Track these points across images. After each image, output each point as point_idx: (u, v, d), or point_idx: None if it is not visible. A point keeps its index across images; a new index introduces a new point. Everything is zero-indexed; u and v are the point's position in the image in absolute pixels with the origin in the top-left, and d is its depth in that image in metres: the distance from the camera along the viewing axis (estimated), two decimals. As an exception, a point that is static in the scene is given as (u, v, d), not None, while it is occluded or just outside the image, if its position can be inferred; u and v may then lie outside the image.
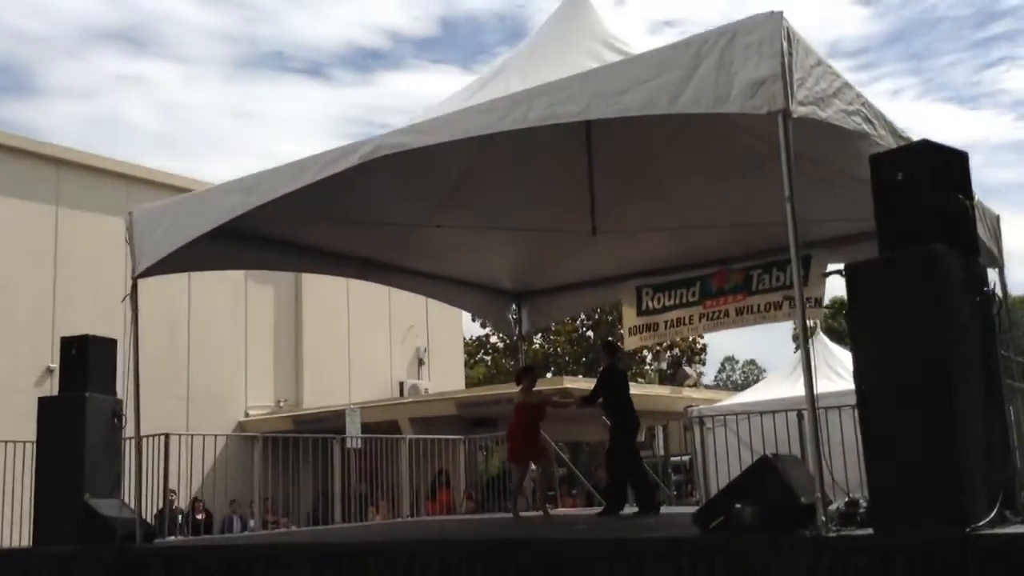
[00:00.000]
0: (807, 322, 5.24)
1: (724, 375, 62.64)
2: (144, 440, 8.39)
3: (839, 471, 5.66)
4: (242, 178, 7.02)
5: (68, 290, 18.12)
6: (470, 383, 28.88)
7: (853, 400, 4.71)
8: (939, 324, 4.27)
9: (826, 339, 14.08)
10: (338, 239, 9.00)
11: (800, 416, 9.54)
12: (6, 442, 10.59)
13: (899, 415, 4.33)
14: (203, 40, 74.93)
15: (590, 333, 34.54)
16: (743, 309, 9.02)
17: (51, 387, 14.64)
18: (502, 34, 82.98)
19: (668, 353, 32.42)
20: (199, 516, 15.00)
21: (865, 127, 5.15)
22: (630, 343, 10.32)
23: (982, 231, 6.00)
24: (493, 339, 36.71)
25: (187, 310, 20.05)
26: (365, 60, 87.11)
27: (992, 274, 5.87)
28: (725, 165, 7.72)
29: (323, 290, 21.92)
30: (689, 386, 26.04)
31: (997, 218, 7.31)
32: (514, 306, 11.12)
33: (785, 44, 4.52)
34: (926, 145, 4.58)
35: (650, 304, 9.75)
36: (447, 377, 24.66)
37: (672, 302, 9.54)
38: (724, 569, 4.45)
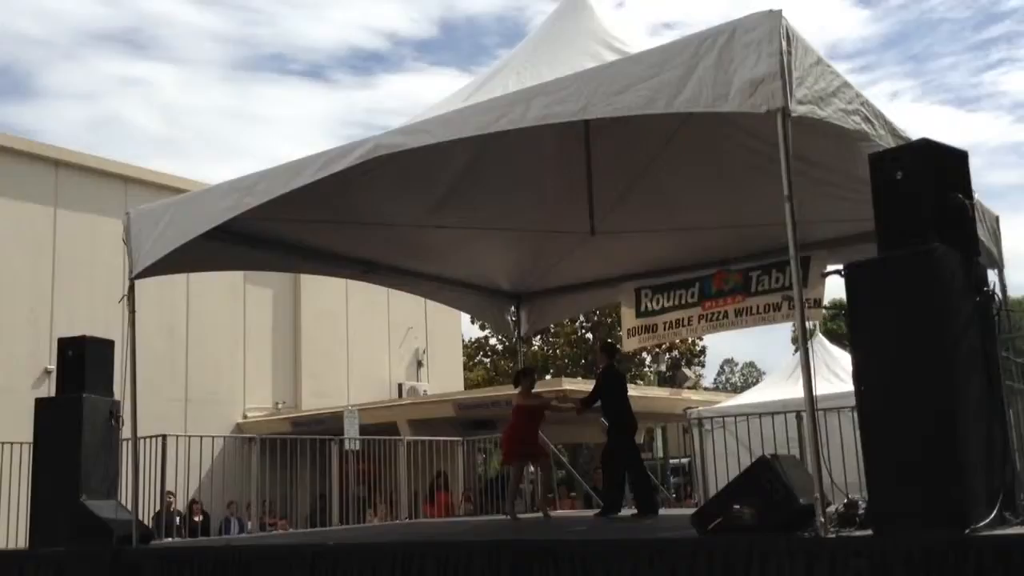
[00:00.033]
0: (806, 323, 5.21)
1: (723, 378, 62.59)
2: (141, 441, 8.38)
3: (838, 473, 5.64)
4: (239, 178, 6.99)
5: (66, 291, 18.10)
6: (469, 385, 28.85)
7: (852, 402, 4.69)
8: (939, 324, 4.26)
9: (825, 341, 14.07)
10: (336, 240, 8.98)
11: (799, 418, 9.52)
12: (3, 443, 10.56)
13: (898, 415, 4.31)
14: (203, 42, 74.97)
15: (589, 335, 34.51)
16: (742, 310, 9.00)
17: (48, 388, 14.62)
18: (501, 36, 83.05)
19: (667, 355, 32.39)
20: (197, 518, 14.96)
21: (864, 127, 5.13)
22: (629, 344, 10.30)
23: (982, 232, 5.98)
24: (492, 341, 36.67)
25: (185, 312, 20.03)
26: (364, 62, 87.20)
27: (992, 275, 5.85)
28: (724, 166, 7.70)
29: (322, 292, 21.89)
30: (688, 388, 26.01)
31: (996, 219, 7.30)
32: (513, 307, 11.10)
33: (784, 43, 4.50)
34: (926, 144, 4.56)
35: (649, 305, 9.74)
36: (446, 379, 24.63)
37: (671, 303, 9.53)
38: (722, 570, 4.43)
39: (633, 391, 18.90)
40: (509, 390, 14.21)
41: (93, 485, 7.86)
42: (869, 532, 4.40)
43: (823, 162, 6.49)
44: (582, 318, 34.59)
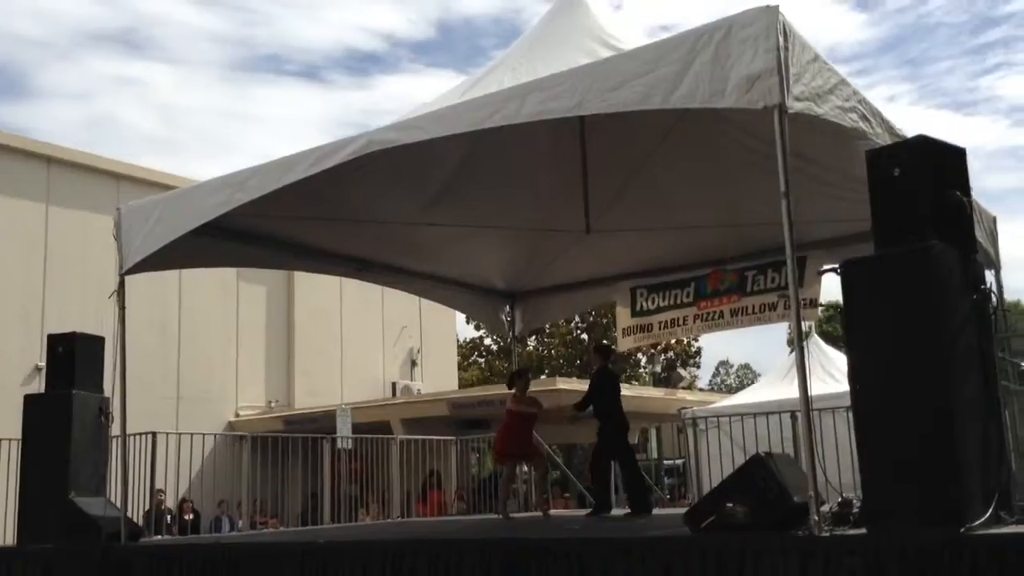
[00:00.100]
0: (802, 323, 5.18)
1: (718, 379, 62.63)
2: (131, 438, 8.32)
3: (832, 473, 5.61)
4: (231, 174, 6.94)
5: (58, 288, 18.02)
6: (464, 385, 28.80)
7: (847, 402, 4.66)
8: (936, 322, 4.23)
9: (820, 341, 14.06)
10: (330, 237, 8.93)
11: (794, 418, 9.51)
12: (-7, 440, 10.48)
13: (894, 413, 4.28)
14: (199, 43, 74.81)
15: (584, 336, 34.49)
16: (738, 310, 8.97)
17: (39, 385, 14.50)
18: (498, 38, 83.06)
19: (662, 356, 32.39)
20: (187, 516, 14.89)
21: (861, 124, 5.10)
22: (624, 344, 10.27)
23: (979, 232, 5.96)
24: (487, 341, 36.65)
25: (177, 309, 19.95)
26: (361, 63, 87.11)
27: (988, 276, 5.82)
28: (720, 164, 7.66)
29: (315, 290, 21.83)
30: (683, 388, 26.01)
31: (994, 219, 7.28)
32: (507, 307, 11.06)
33: (781, 38, 4.46)
34: (923, 140, 4.53)
35: (644, 305, 9.70)
36: (440, 378, 24.58)
37: (666, 303, 9.49)
38: (715, 569, 4.39)
39: (628, 391, 18.84)
40: (503, 389, 14.17)
41: (82, 482, 7.81)
42: (863, 531, 4.37)
43: (820, 161, 6.46)
44: (577, 319, 34.56)
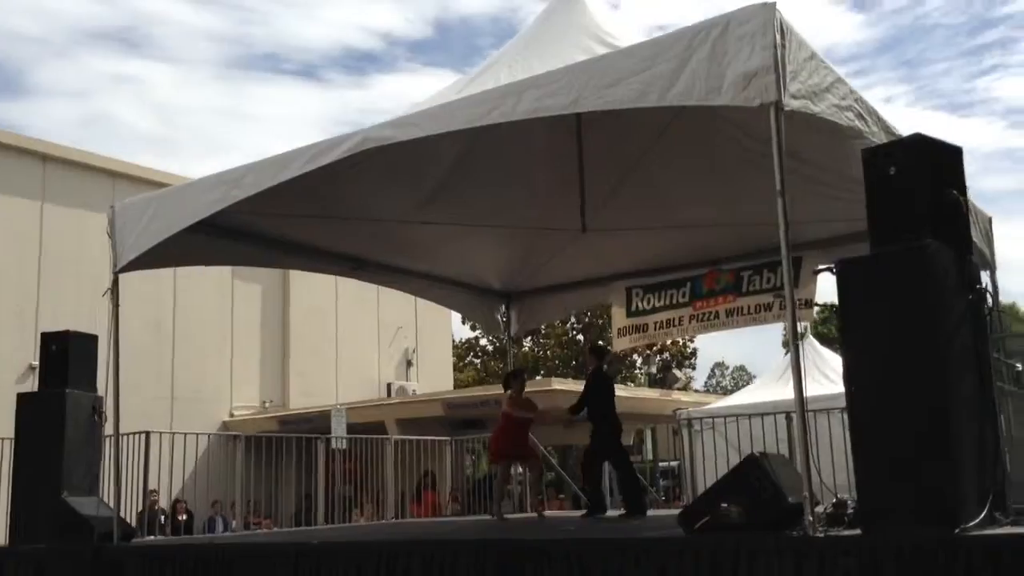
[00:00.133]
0: (797, 324, 5.15)
1: (714, 381, 62.64)
2: (124, 438, 8.28)
3: (827, 474, 5.59)
4: (226, 171, 6.91)
5: (53, 287, 17.96)
6: (459, 386, 28.77)
7: (842, 403, 4.64)
8: (932, 321, 4.21)
9: (816, 342, 14.07)
10: (326, 236, 8.90)
11: (789, 419, 9.49)
12: (-15, 438, 10.42)
13: (890, 412, 4.26)
14: (196, 41, 74.71)
15: (580, 337, 34.49)
16: (733, 311, 8.96)
17: (33, 384, 14.42)
18: (495, 37, 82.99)
19: (658, 357, 32.40)
20: (181, 517, 14.84)
21: (858, 123, 5.09)
22: (619, 344, 10.25)
23: (975, 232, 5.94)
24: (483, 342, 36.61)
25: (172, 308, 19.90)
26: (358, 62, 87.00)
27: (984, 276, 5.81)
28: (717, 163, 7.65)
29: (311, 289, 21.79)
30: (678, 389, 26.00)
31: (989, 220, 7.28)
32: (503, 307, 11.04)
33: (778, 36, 4.45)
34: (920, 139, 4.51)
35: (640, 305, 9.68)
36: (435, 379, 24.54)
37: (662, 303, 9.47)
38: (709, 569, 4.37)
39: (623, 392, 18.82)
40: (499, 389, 14.14)
41: (75, 482, 7.76)
42: (858, 531, 4.36)
43: (816, 161, 6.45)
44: (573, 319, 34.57)
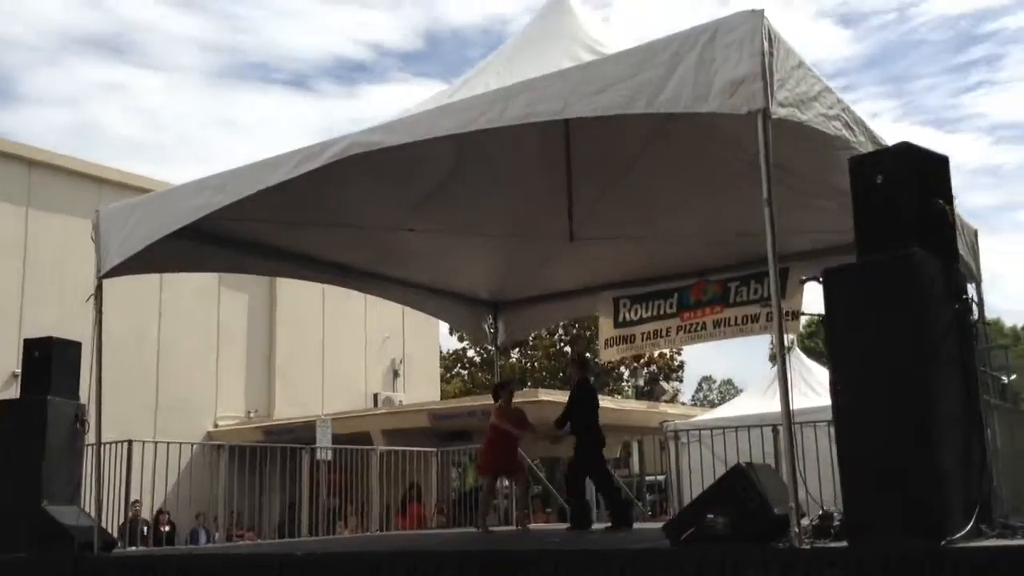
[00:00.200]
0: (784, 336, 5.13)
1: (701, 394, 62.68)
2: (107, 447, 8.19)
3: (813, 487, 5.57)
4: (211, 176, 6.86)
5: (37, 293, 17.82)
6: (446, 397, 28.68)
7: (828, 416, 4.61)
8: (918, 331, 4.19)
9: (802, 355, 14.09)
10: (311, 243, 8.85)
11: (776, 431, 9.48)
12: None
13: (875, 423, 4.24)
14: (186, 49, 74.61)
15: (567, 348, 34.46)
16: (720, 322, 8.94)
17: (16, 392, 14.31)
18: (486, 48, 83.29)
19: (645, 370, 32.40)
20: (164, 528, 14.70)
21: (845, 133, 5.09)
22: (606, 355, 10.22)
23: (960, 245, 5.95)
24: (470, 353, 36.53)
25: (158, 316, 19.78)
26: (349, 72, 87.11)
27: (970, 289, 5.81)
28: (704, 174, 7.66)
29: (298, 298, 21.69)
30: (666, 401, 25.98)
31: (975, 233, 7.29)
32: (490, 316, 11.00)
33: (766, 43, 4.44)
34: (906, 148, 4.51)
35: (627, 315, 9.66)
36: (422, 390, 24.45)
37: (649, 314, 9.45)
38: (695, 580, 4.33)
39: (610, 403, 18.75)
40: (486, 399, 14.06)
41: (55, 490, 7.69)
42: (844, 543, 4.32)
43: (803, 172, 6.45)
44: (560, 331, 34.54)
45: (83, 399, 8.04)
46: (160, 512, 14.61)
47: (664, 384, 31.39)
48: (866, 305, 4.30)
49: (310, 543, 9.87)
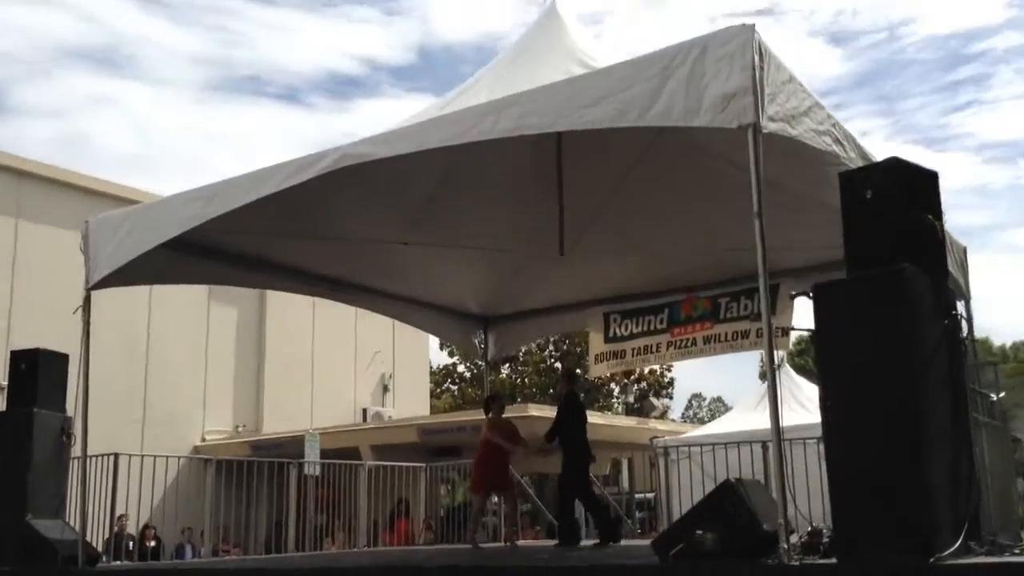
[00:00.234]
0: (773, 347, 5.12)
1: (691, 412, 62.60)
2: (92, 460, 8.11)
3: (803, 504, 5.55)
4: (203, 187, 6.84)
5: (26, 305, 17.68)
6: (436, 412, 28.58)
7: (818, 433, 4.60)
8: (907, 347, 4.19)
9: (792, 372, 14.09)
10: (303, 256, 8.83)
11: (765, 448, 9.46)
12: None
13: (865, 439, 4.23)
14: (178, 62, 74.54)
15: (558, 364, 34.42)
16: (711, 338, 8.95)
17: (2, 405, 14.21)
18: (478, 65, 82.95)
19: (635, 386, 32.38)
20: (150, 543, 14.55)
21: (835, 148, 5.11)
22: (596, 370, 10.21)
23: (950, 262, 5.97)
24: (460, 368, 36.46)
25: (147, 329, 19.67)
26: (342, 87, 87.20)
27: (959, 306, 5.82)
28: (695, 190, 7.68)
29: (288, 313, 21.61)
30: (655, 417, 25.94)
31: (964, 250, 7.32)
32: (481, 331, 10.98)
33: (756, 58, 4.47)
34: (896, 163, 4.52)
35: (617, 331, 9.66)
36: (412, 405, 24.35)
37: (640, 329, 9.46)
38: (684, 596, 4.31)
39: (600, 419, 18.69)
40: (476, 414, 13.99)
41: (40, 504, 7.63)
42: (833, 560, 4.30)
43: (793, 188, 6.47)
44: (551, 347, 34.52)
45: (70, 412, 7.97)
46: (146, 527, 14.46)
47: (654, 400, 31.36)
48: (856, 320, 4.31)
49: (297, 559, 9.79)
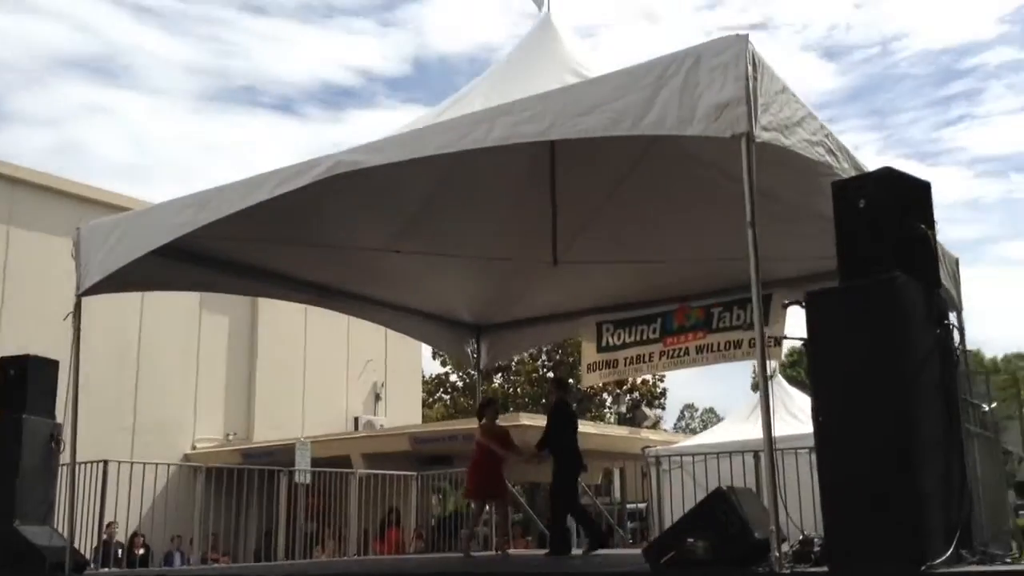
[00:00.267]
0: (766, 354, 5.13)
1: (683, 423, 62.66)
2: (82, 467, 8.07)
3: (794, 513, 5.55)
4: (195, 193, 6.82)
5: (17, 312, 17.61)
6: (428, 422, 28.50)
7: (810, 443, 4.60)
8: (900, 354, 4.20)
9: (784, 382, 14.09)
10: (296, 263, 8.81)
11: (757, 458, 9.47)
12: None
13: (858, 446, 4.23)
14: (173, 72, 74.55)
15: (550, 374, 34.39)
16: (703, 347, 8.95)
17: (-9, 411, 14.10)
18: (473, 76, 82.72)
19: (628, 397, 32.37)
20: (139, 551, 14.48)
21: (828, 159, 5.12)
22: (589, 380, 10.19)
23: (942, 272, 5.98)
24: (453, 378, 36.41)
25: (138, 337, 19.59)
26: (336, 97, 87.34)
27: (951, 317, 5.84)
28: (688, 199, 7.69)
29: (280, 321, 21.55)
30: (648, 427, 25.92)
31: (956, 261, 7.34)
32: (473, 340, 10.96)
33: (750, 68, 4.48)
34: (889, 173, 4.54)
35: (610, 340, 9.65)
36: (404, 414, 24.28)
37: (632, 339, 9.45)
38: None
39: (592, 428, 18.63)
40: (467, 423, 13.97)
41: (28, 510, 7.57)
42: (825, 569, 4.30)
43: (787, 199, 6.48)
44: (544, 357, 34.50)
45: (59, 418, 7.93)
46: (135, 534, 14.39)
47: (646, 410, 31.34)
48: (848, 328, 4.32)
49: (286, 567, 9.74)
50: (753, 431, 11.11)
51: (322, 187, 6.22)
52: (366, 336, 22.17)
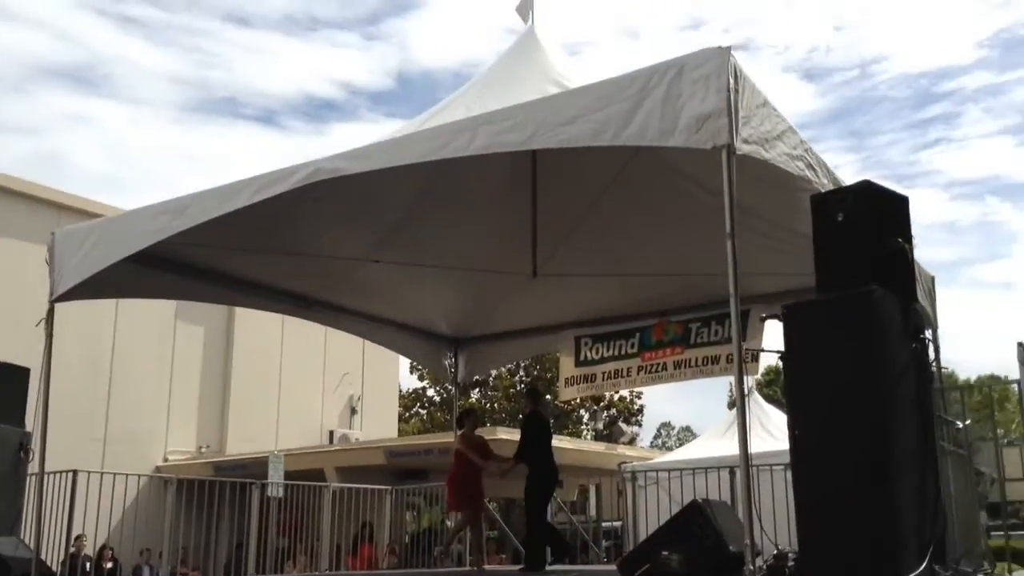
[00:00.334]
0: (743, 368, 5.12)
1: (660, 440, 62.63)
2: (50, 477, 7.92)
3: (769, 529, 5.53)
4: (171, 200, 6.75)
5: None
6: (404, 436, 28.33)
7: (785, 459, 4.60)
8: (876, 368, 4.22)
9: (760, 399, 14.13)
10: (273, 273, 8.73)
11: (732, 474, 9.46)
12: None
13: (833, 460, 4.24)
14: (155, 83, 73.96)
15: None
16: (681, 363, 8.96)
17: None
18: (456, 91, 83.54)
19: (605, 413, 32.34)
20: (107, 564, 14.24)
21: (807, 173, 5.15)
22: (566, 394, 10.17)
23: (919, 290, 6.02)
24: (430, 392, 36.24)
25: (111, 346, 19.37)
26: (319, 110, 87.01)
27: (927, 334, 5.87)
28: (668, 215, 7.73)
29: (256, 332, 21.38)
30: (624, 443, 25.89)
31: (932, 279, 7.40)
32: (451, 353, 10.91)
33: (732, 80, 4.51)
34: (867, 187, 4.58)
35: (588, 355, 9.65)
36: (380, 428, 24.10)
37: (611, 353, 9.44)
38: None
39: (568, 444, 18.55)
40: (443, 437, 13.87)
41: (-6, 519, 7.42)
42: (800, 582, 4.29)
43: (766, 215, 6.53)
44: (522, 372, 34.44)
45: (29, 427, 7.80)
46: (104, 547, 14.16)
47: (623, 426, 31.32)
48: (825, 341, 4.33)
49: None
50: (729, 447, 11.14)
51: (301, 195, 6.17)
52: (343, 349, 22.03)
